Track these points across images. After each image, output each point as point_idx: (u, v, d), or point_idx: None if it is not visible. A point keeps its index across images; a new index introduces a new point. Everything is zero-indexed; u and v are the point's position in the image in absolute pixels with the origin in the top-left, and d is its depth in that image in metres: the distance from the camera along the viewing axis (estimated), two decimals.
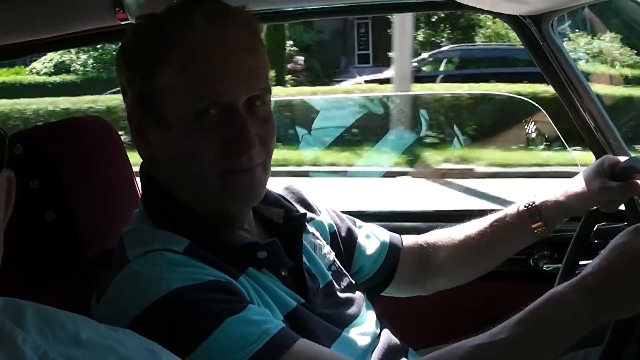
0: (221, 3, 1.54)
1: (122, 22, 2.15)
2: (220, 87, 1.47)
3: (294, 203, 1.82)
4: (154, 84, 1.49)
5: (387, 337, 1.74)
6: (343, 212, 2.05)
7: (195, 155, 1.49)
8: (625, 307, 1.31)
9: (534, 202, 1.92)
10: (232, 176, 1.51)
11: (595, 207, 1.93)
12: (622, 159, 1.86)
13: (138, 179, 1.76)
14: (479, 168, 11.18)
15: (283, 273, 1.60)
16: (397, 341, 1.75)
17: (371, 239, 1.99)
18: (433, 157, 11.32)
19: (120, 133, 1.94)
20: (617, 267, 1.31)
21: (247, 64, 1.51)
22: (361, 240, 1.97)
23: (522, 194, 1.96)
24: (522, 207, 1.93)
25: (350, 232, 1.96)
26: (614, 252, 1.33)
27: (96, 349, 1.07)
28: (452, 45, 22.89)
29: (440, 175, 10.67)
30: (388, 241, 2.02)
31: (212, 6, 1.51)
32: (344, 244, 1.92)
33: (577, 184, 1.88)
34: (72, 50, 21.89)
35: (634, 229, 1.34)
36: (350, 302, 1.74)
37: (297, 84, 22.55)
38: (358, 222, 2.03)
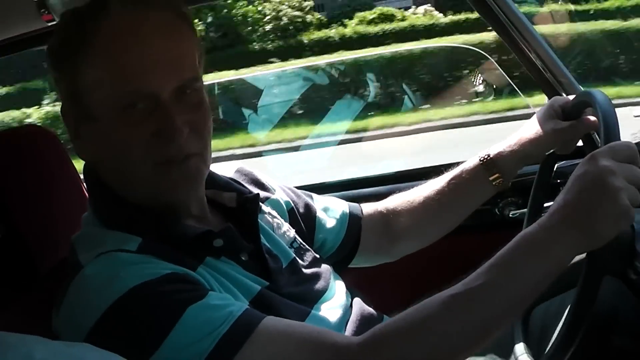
0: None
1: (49, 24, 2.11)
2: (143, 79, 1.43)
3: (246, 185, 1.79)
4: (79, 78, 1.46)
5: (360, 307, 1.72)
6: (300, 187, 2.02)
7: (127, 147, 1.46)
8: (597, 235, 1.29)
9: (489, 155, 1.90)
10: (167, 168, 1.48)
11: (551, 151, 1.91)
12: (570, 97, 1.85)
13: None
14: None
15: (243, 258, 1.57)
16: (371, 309, 1.74)
17: (330, 211, 1.97)
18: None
19: None
20: (582, 197, 1.30)
21: (171, 51, 1.47)
22: (320, 214, 1.94)
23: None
24: (477, 161, 1.91)
25: (308, 207, 1.93)
26: (575, 183, 1.32)
27: None
28: None
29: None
30: (348, 212, 1.99)
31: None
32: (303, 220, 1.89)
33: (530, 130, 1.86)
34: None
35: (589, 158, 1.33)
36: (317, 276, 1.72)
37: None
38: (315, 196, 2.00)
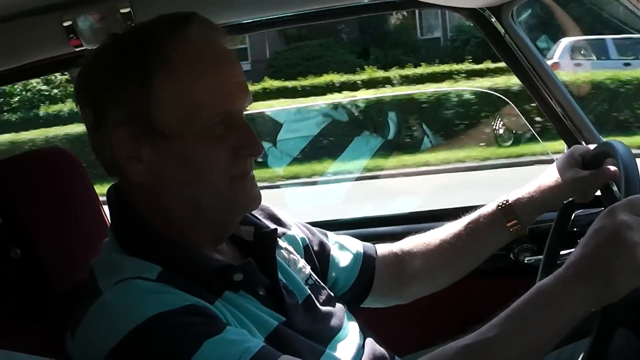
0: (207, 19, 1.54)
1: (77, 49, 2.11)
2: (232, 99, 1.50)
3: (263, 219, 1.78)
4: (150, 97, 1.45)
5: (372, 347, 1.71)
6: (314, 223, 2.02)
7: (210, 163, 1.48)
8: (613, 290, 1.28)
9: (507, 201, 1.90)
10: (243, 182, 1.54)
11: (570, 199, 1.91)
12: (590, 146, 1.85)
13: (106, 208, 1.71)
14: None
15: (260, 292, 1.56)
16: (382, 350, 1.72)
17: (344, 250, 1.96)
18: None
19: None
20: (598, 251, 1.29)
21: (241, 75, 1.54)
22: (334, 252, 1.94)
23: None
24: (495, 207, 1.91)
25: (322, 245, 1.93)
26: (593, 237, 1.31)
27: None
28: None
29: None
30: (362, 251, 1.98)
31: (203, 19, 1.52)
32: (318, 257, 1.89)
33: (549, 178, 1.86)
34: None
35: (608, 212, 1.32)
36: (331, 315, 1.71)
37: None
38: (330, 234, 2.00)
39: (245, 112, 1.55)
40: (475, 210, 1.96)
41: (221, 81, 1.49)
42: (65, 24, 2.01)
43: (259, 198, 1.59)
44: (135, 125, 1.47)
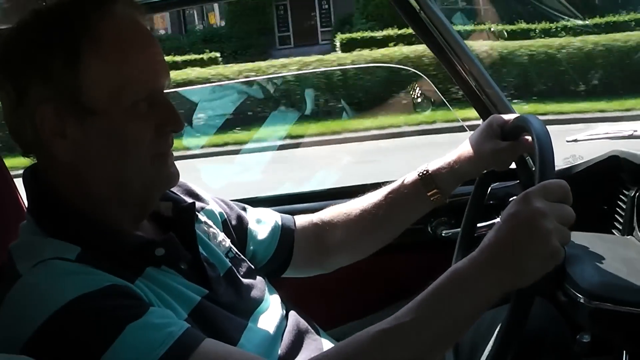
0: None
1: None
2: (156, 78, 1.50)
3: (181, 195, 1.78)
4: (78, 73, 1.43)
5: (295, 319, 1.72)
6: (233, 200, 2.01)
7: (133, 141, 1.47)
8: (526, 275, 1.30)
9: (427, 170, 1.90)
10: (164, 160, 1.54)
11: (486, 171, 1.93)
12: (508, 117, 1.87)
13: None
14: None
15: (182, 267, 1.56)
16: (306, 323, 1.74)
17: (262, 223, 1.96)
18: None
19: None
20: (512, 237, 1.31)
21: (162, 54, 1.54)
22: (252, 225, 1.94)
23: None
24: (416, 176, 1.91)
25: (240, 218, 1.93)
26: (507, 222, 1.33)
27: None
28: None
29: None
30: (280, 224, 1.99)
31: None
32: (236, 231, 1.88)
33: (469, 148, 1.87)
34: None
35: (522, 197, 1.34)
36: (252, 287, 1.72)
37: None
38: (248, 208, 1.99)
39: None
40: (395, 182, 1.97)
41: (147, 59, 1.49)
42: None
43: (177, 175, 1.58)
44: (61, 102, 1.44)
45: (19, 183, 1.81)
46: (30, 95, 1.45)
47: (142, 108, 1.47)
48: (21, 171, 1.60)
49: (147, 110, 1.47)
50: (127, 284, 1.39)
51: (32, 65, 1.45)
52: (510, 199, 2.07)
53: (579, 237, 1.89)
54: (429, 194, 1.90)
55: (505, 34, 15.22)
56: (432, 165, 1.91)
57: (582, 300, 1.66)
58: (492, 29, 14.16)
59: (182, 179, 1.72)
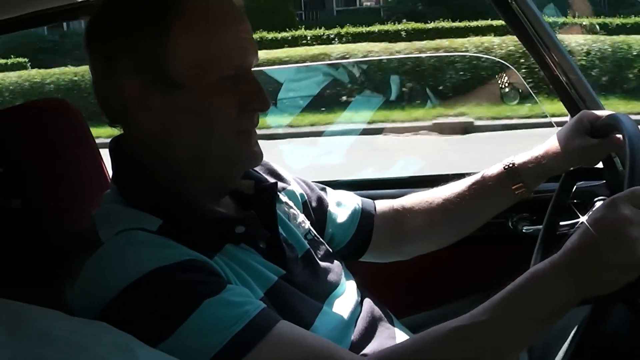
0: None
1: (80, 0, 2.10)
2: (243, 53, 1.51)
3: (263, 174, 1.78)
4: (165, 46, 1.45)
5: (370, 306, 1.72)
6: (313, 182, 2.01)
7: (217, 116, 1.49)
8: (607, 283, 1.28)
9: (513, 163, 1.89)
10: (248, 137, 1.55)
11: (572, 169, 1.91)
12: (599, 113, 1.83)
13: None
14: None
15: (261, 245, 1.56)
16: (380, 311, 1.73)
17: (342, 207, 1.96)
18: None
19: None
20: (597, 244, 1.28)
21: (251, 32, 1.56)
22: (332, 208, 1.94)
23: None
24: (501, 168, 1.90)
25: (320, 200, 1.93)
26: (592, 228, 1.30)
27: (68, 347, 1.03)
28: None
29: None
30: (360, 207, 1.98)
31: None
32: (315, 213, 1.89)
33: (557, 143, 1.85)
34: None
35: (609, 203, 1.31)
36: (329, 270, 1.72)
37: None
38: (329, 190, 1.99)
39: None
40: (479, 173, 1.96)
41: (235, 36, 1.49)
42: None
43: (261, 155, 1.59)
44: (148, 73, 1.46)
45: (103, 153, 1.84)
46: (118, 66, 1.47)
47: (228, 84, 1.47)
48: (104, 140, 1.63)
49: (232, 87, 1.48)
50: (206, 260, 1.41)
51: (121, 36, 1.47)
52: (596, 199, 2.03)
53: None
54: (513, 187, 1.88)
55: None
56: (519, 158, 1.89)
57: None
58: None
59: (265, 159, 1.73)
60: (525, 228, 2.48)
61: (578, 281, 1.28)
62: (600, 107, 2.29)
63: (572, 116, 1.93)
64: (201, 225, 1.49)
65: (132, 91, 1.47)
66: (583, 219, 1.90)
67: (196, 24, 1.46)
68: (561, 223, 1.98)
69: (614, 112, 1.78)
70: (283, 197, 1.79)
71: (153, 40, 1.45)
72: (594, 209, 1.91)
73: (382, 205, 2.03)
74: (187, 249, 1.40)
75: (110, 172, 1.66)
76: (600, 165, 1.91)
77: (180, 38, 1.44)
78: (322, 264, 1.72)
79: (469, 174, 1.98)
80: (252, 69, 1.55)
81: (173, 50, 1.45)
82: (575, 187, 1.95)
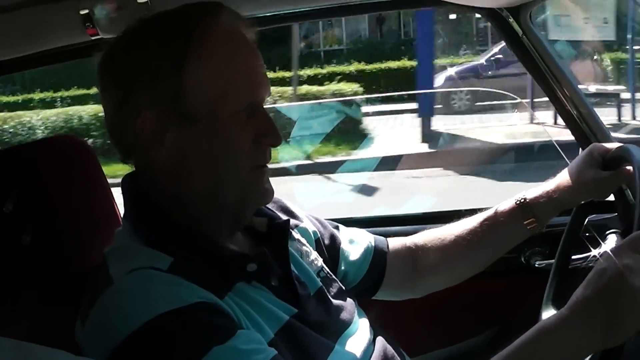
0: (233, 9, 1.55)
1: (93, 38, 2.12)
2: (257, 87, 1.52)
3: (275, 211, 1.77)
4: (181, 80, 1.45)
5: (382, 345, 1.70)
6: (327, 219, 2.00)
7: (232, 150, 1.49)
8: (616, 335, 1.28)
9: (525, 198, 1.88)
10: (261, 173, 1.55)
11: (583, 202, 1.91)
12: (609, 145, 1.83)
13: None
14: None
15: (273, 283, 1.55)
16: (392, 350, 1.71)
17: (355, 244, 1.95)
18: None
19: None
20: (601, 295, 1.29)
21: (264, 67, 1.56)
22: (345, 245, 1.92)
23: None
24: (513, 204, 1.89)
25: (333, 238, 1.92)
26: (595, 279, 1.31)
27: None
28: None
29: None
30: (373, 245, 1.97)
31: (231, 9, 1.53)
32: (328, 250, 1.87)
33: (568, 177, 1.85)
34: None
35: (613, 252, 1.31)
36: (342, 308, 1.70)
37: None
38: (341, 227, 1.98)
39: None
40: (491, 208, 1.94)
41: (250, 70, 1.51)
42: (82, 12, 1.99)
43: (272, 192, 1.59)
44: (163, 107, 1.46)
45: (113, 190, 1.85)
46: (133, 99, 1.47)
47: (242, 118, 1.48)
48: (115, 179, 1.63)
49: (246, 121, 1.48)
50: (217, 301, 1.39)
51: (137, 69, 1.47)
52: (608, 232, 2.02)
53: None
54: (525, 222, 1.87)
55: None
56: (530, 193, 1.88)
57: None
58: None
59: (277, 196, 1.73)
60: (537, 262, 2.46)
61: (586, 335, 1.29)
62: (610, 140, 2.29)
63: (583, 149, 1.91)
64: (213, 262, 1.48)
65: (147, 125, 1.46)
66: (595, 252, 1.89)
67: (212, 58, 1.46)
68: (573, 257, 1.97)
69: (623, 144, 1.78)
70: (296, 235, 1.78)
71: (170, 74, 1.45)
72: (606, 242, 1.90)
73: (394, 242, 2.01)
74: (198, 289, 1.38)
75: (121, 210, 1.65)
76: (611, 197, 1.90)
77: (197, 72, 1.45)
78: (335, 301, 1.70)
79: (481, 210, 1.97)
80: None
81: (189, 83, 1.45)
82: (587, 220, 1.95)
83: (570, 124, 2.37)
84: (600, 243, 1.92)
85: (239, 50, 1.51)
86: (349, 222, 2.09)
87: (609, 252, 1.32)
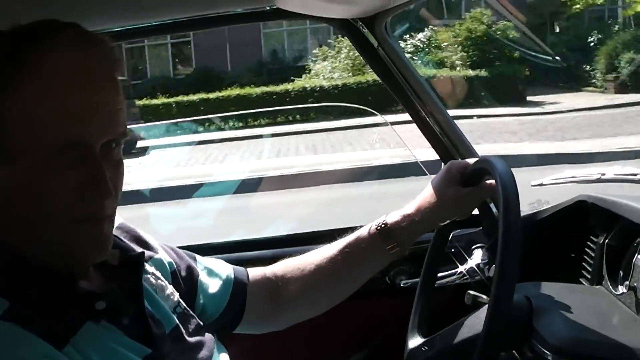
0: (82, 28, 1.36)
1: None
2: (85, 127, 1.30)
3: (128, 242, 1.65)
4: (3, 110, 1.29)
5: None
6: (181, 247, 1.90)
7: (47, 196, 1.30)
8: None
9: (386, 223, 1.82)
10: (84, 227, 1.35)
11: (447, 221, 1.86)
12: (467, 161, 1.81)
13: None
14: None
15: (124, 322, 1.43)
16: None
17: (213, 276, 1.85)
18: None
19: None
20: None
21: (111, 104, 1.34)
22: (203, 277, 1.82)
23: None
24: (373, 229, 1.83)
25: (190, 269, 1.81)
26: None
27: None
28: None
29: None
30: (232, 277, 1.88)
31: (74, 31, 1.34)
32: (185, 283, 1.77)
33: (428, 198, 1.80)
34: None
35: None
36: (200, 346, 1.60)
37: None
38: (199, 258, 1.88)
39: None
40: (351, 232, 1.88)
41: (80, 104, 1.30)
42: None
43: (106, 245, 1.42)
44: None
45: None
46: None
47: (67, 161, 1.30)
48: None
49: (68, 166, 1.31)
50: (57, 354, 1.26)
51: None
52: (474, 246, 2.00)
53: (545, 288, 1.82)
54: (388, 247, 1.81)
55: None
56: (391, 217, 1.82)
57: (549, 358, 1.58)
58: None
59: (130, 225, 1.64)
60: (403, 282, 2.43)
61: None
62: (474, 155, 2.26)
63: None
64: (55, 303, 1.34)
65: None
66: (461, 268, 1.85)
67: (41, 88, 1.29)
68: (440, 274, 1.94)
69: (483, 156, 1.74)
70: (150, 268, 1.66)
71: None
72: (472, 257, 1.88)
73: (255, 273, 1.93)
74: (35, 340, 1.25)
75: None
76: (476, 211, 1.86)
77: (17, 106, 1.29)
78: (193, 339, 1.60)
79: (340, 232, 1.90)
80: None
81: (9, 118, 1.29)
82: (451, 235, 1.91)
83: (431, 138, 2.34)
84: (466, 259, 1.89)
85: (66, 80, 1.30)
86: (207, 249, 1.99)
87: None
